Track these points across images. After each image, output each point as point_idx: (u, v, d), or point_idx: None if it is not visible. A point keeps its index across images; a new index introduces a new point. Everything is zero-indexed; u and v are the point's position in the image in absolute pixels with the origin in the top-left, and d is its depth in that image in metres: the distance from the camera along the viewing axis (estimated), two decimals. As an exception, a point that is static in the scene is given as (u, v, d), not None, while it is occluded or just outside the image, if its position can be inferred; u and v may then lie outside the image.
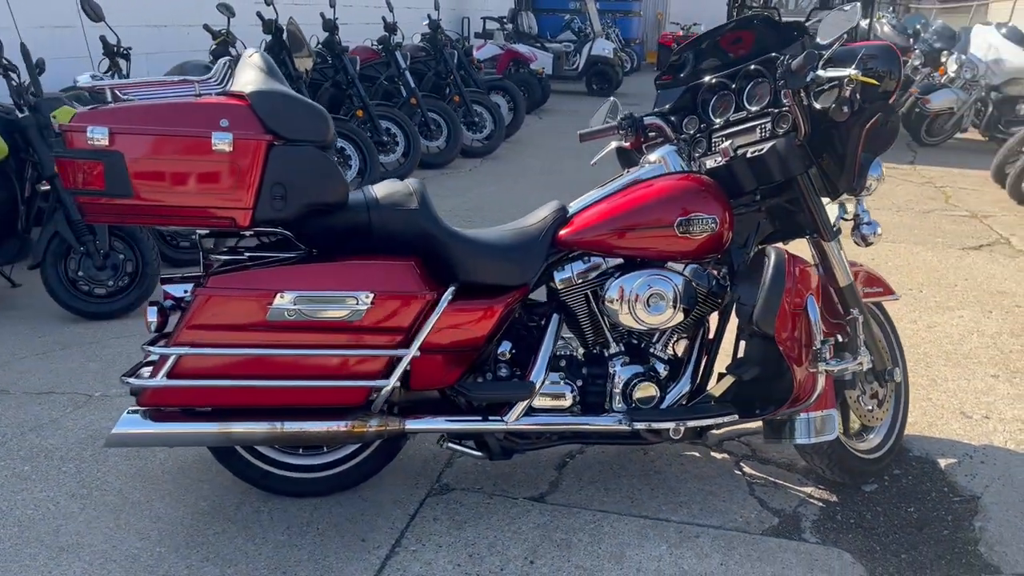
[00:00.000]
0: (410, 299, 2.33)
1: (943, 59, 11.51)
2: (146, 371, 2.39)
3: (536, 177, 8.06)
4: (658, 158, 2.73)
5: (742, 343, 2.68)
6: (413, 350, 2.36)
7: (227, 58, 2.61)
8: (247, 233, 2.46)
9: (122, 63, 5.52)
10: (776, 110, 2.64)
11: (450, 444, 2.60)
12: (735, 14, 12.28)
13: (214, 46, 6.49)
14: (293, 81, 6.12)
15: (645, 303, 2.56)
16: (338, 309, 2.30)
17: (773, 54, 2.64)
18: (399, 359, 2.37)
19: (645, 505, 2.69)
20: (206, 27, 6.62)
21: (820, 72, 2.41)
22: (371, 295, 2.30)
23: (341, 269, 2.32)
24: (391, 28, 8.03)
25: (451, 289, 2.41)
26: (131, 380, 2.31)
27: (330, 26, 7.04)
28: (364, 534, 2.51)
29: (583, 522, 2.59)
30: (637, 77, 18.94)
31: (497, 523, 2.57)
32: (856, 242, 2.75)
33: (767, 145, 2.63)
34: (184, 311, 2.29)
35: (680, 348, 2.72)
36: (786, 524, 2.63)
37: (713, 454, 3.01)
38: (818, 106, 2.54)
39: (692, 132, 2.85)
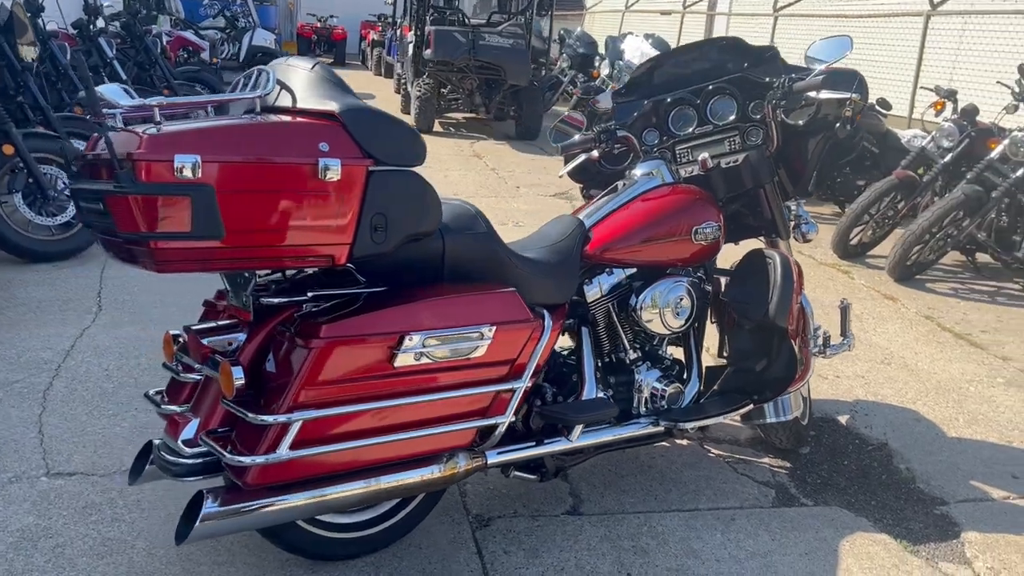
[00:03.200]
0: (523, 328, 2.23)
1: (596, 63, 12.92)
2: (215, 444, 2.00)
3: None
4: (651, 171, 2.86)
5: (735, 338, 2.93)
6: (525, 380, 2.27)
7: (258, 68, 2.19)
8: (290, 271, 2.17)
9: None
10: (746, 124, 2.93)
11: (516, 473, 2.52)
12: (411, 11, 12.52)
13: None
14: (19, 73, 5.13)
15: (674, 309, 2.70)
16: (462, 346, 2.13)
17: (742, 73, 2.91)
18: (513, 392, 2.25)
19: (668, 500, 2.85)
20: None
21: (823, 94, 2.73)
22: (492, 328, 2.16)
23: (458, 303, 2.15)
24: (93, 10, 7.01)
25: (548, 315, 2.34)
26: (241, 458, 1.91)
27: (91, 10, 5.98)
28: (450, 582, 2.36)
29: (635, 526, 2.68)
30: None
31: (564, 543, 2.56)
32: (796, 239, 3.14)
33: (741, 156, 2.91)
34: (299, 367, 1.95)
35: (681, 350, 2.91)
36: (782, 494, 2.97)
37: (678, 443, 3.25)
38: (790, 122, 2.87)
39: (654, 144, 3.03)
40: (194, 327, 2.16)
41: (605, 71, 11.69)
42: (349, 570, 2.37)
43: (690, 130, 3.01)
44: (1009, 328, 5.03)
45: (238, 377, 1.97)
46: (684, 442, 3.25)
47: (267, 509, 2.01)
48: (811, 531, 2.73)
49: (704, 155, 2.91)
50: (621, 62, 11.39)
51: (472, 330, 2.13)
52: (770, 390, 2.88)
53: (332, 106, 2.01)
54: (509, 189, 7.89)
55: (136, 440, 2.96)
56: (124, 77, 7.07)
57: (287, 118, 2.00)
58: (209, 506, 1.94)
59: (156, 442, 2.33)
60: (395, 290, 2.19)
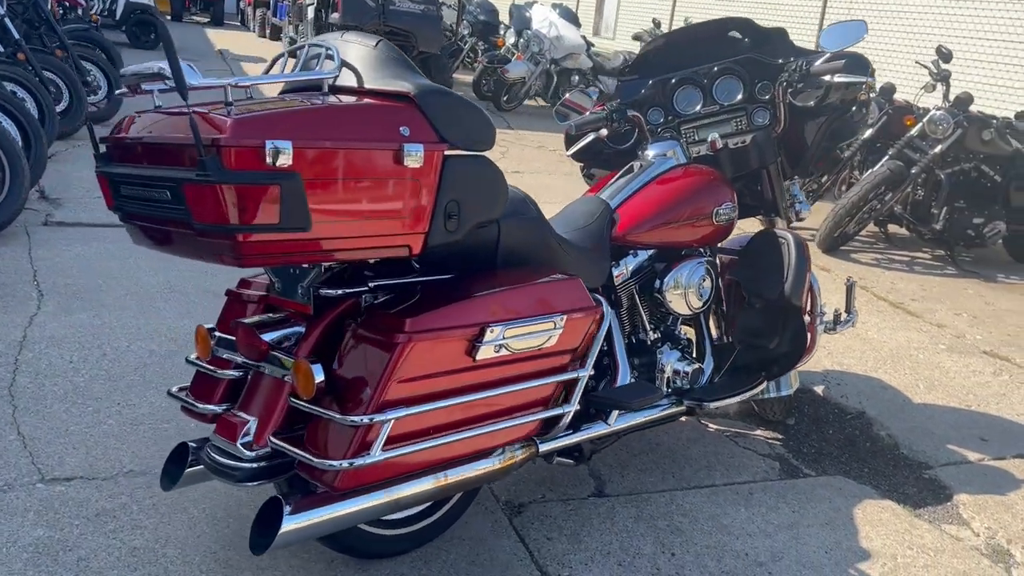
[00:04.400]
0: (588, 316, 2.19)
1: (501, 32, 12.83)
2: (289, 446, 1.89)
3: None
4: (666, 152, 2.87)
5: (745, 316, 2.99)
6: (588, 368, 2.24)
7: (311, 43, 2.03)
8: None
9: None
10: (752, 105, 2.97)
11: (559, 459, 2.49)
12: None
13: None
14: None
15: (697, 290, 2.73)
16: (538, 337, 2.07)
17: (751, 54, 2.95)
18: (577, 380, 2.22)
19: (685, 477, 2.90)
20: None
21: (837, 77, 2.78)
22: (564, 317, 2.11)
23: (531, 293, 2.09)
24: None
25: (605, 302, 2.32)
26: (333, 463, 1.80)
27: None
28: (504, 572, 2.32)
29: (663, 505, 2.71)
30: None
31: (602, 526, 2.57)
32: (789, 218, 3.22)
33: (748, 137, 2.96)
34: (385, 364, 1.84)
35: (694, 329, 2.94)
36: (786, 466, 3.07)
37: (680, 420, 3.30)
38: (799, 104, 2.93)
39: (659, 123, 3.03)
40: (246, 321, 2.01)
41: (511, 40, 11.62)
42: (398, 566, 2.30)
43: (696, 110, 3.03)
44: (933, 296, 5.35)
45: (319, 376, 1.85)
46: (683, 418, 3.30)
47: (345, 512, 1.91)
48: (824, 501, 2.84)
49: (714, 135, 2.93)
50: (529, 31, 11.35)
51: (546, 319, 2.08)
52: (779, 366, 2.95)
53: (406, 87, 1.90)
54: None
55: (128, 437, 2.76)
56: (17, 36, 6.49)
57: (365, 100, 1.88)
58: (289, 514, 1.83)
59: (192, 444, 2.19)
60: (455, 279, 2.12)
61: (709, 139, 2.93)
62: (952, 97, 6.05)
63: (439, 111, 1.91)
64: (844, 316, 3.18)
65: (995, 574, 2.55)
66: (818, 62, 2.79)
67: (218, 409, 2.14)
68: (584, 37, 11.67)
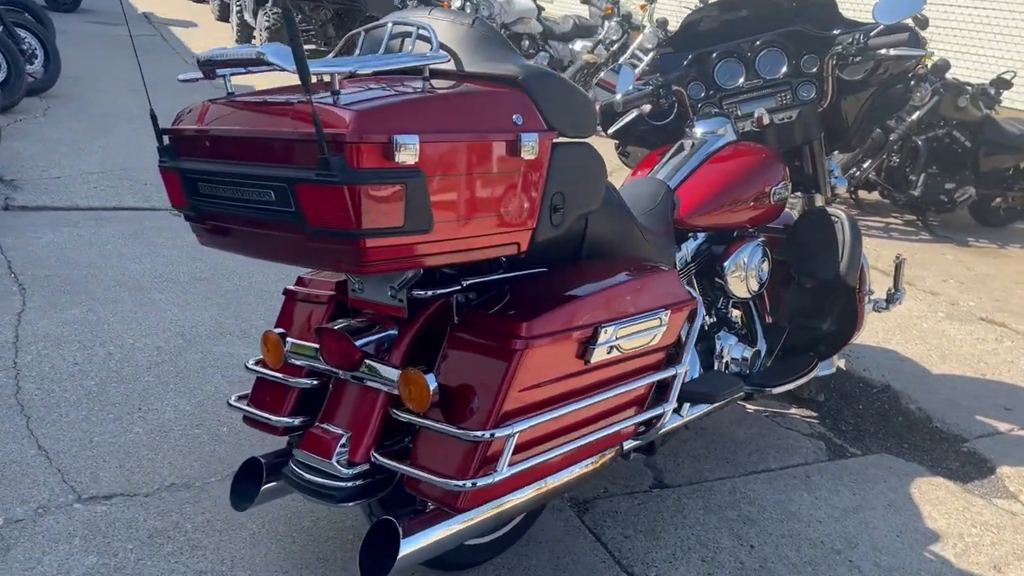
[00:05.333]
0: (685, 309, 2.09)
1: (445, -7, 12.50)
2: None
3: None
4: (716, 129, 2.77)
5: (795, 297, 2.93)
6: (685, 364, 2.14)
7: (395, 20, 1.84)
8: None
9: None
10: (797, 79, 2.89)
11: (634, 453, 2.40)
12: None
13: None
14: None
15: (757, 272, 2.65)
16: (646, 335, 1.96)
17: (797, 27, 2.86)
18: (675, 376, 2.12)
19: (739, 462, 2.85)
20: None
21: (894, 51, 2.71)
22: (668, 312, 2.00)
23: (634, 288, 1.97)
24: None
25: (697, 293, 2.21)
26: (461, 483, 1.65)
27: None
28: (589, 575, 2.23)
29: (727, 495, 2.65)
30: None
31: (674, 520, 2.50)
32: (827, 194, 3.17)
33: (794, 112, 2.88)
34: (504, 373, 1.70)
35: (742, 313, 2.87)
36: (831, 446, 3.04)
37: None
38: (847, 78, 2.86)
39: (700, 98, 2.93)
40: (335, 327, 1.84)
41: (456, 3, 11.33)
42: (482, 575, 2.18)
43: (738, 84, 2.93)
44: (917, 263, 5.42)
45: (433, 387, 1.70)
46: (720, 399, 3.25)
47: (457, 529, 1.78)
48: (880, 482, 2.82)
49: (761, 111, 2.84)
50: (481, -6, 11.08)
51: (653, 316, 1.97)
52: (827, 346, 2.92)
53: (513, 70, 1.75)
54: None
55: (160, 447, 2.56)
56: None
57: (475, 87, 1.73)
58: (407, 538, 1.68)
59: (262, 459, 2.02)
60: (547, 274, 1.98)
61: (756, 115, 2.84)
62: (929, 64, 6.10)
63: (546, 95, 1.77)
64: (894, 293, 3.14)
65: (1057, 548, 2.58)
66: (873, 33, 2.72)
67: (293, 421, 1.98)
68: (534, 1, 11.45)
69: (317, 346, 1.90)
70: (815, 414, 3.26)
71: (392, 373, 1.77)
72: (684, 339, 2.16)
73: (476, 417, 1.69)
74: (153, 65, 9.03)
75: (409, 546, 1.68)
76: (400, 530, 1.68)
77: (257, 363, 2.12)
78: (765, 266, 2.69)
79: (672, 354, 2.14)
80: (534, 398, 1.76)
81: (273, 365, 2.00)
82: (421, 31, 1.78)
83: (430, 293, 1.83)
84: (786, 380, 2.71)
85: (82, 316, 3.35)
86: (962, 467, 3.01)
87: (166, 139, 1.78)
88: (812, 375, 2.82)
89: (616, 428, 1.97)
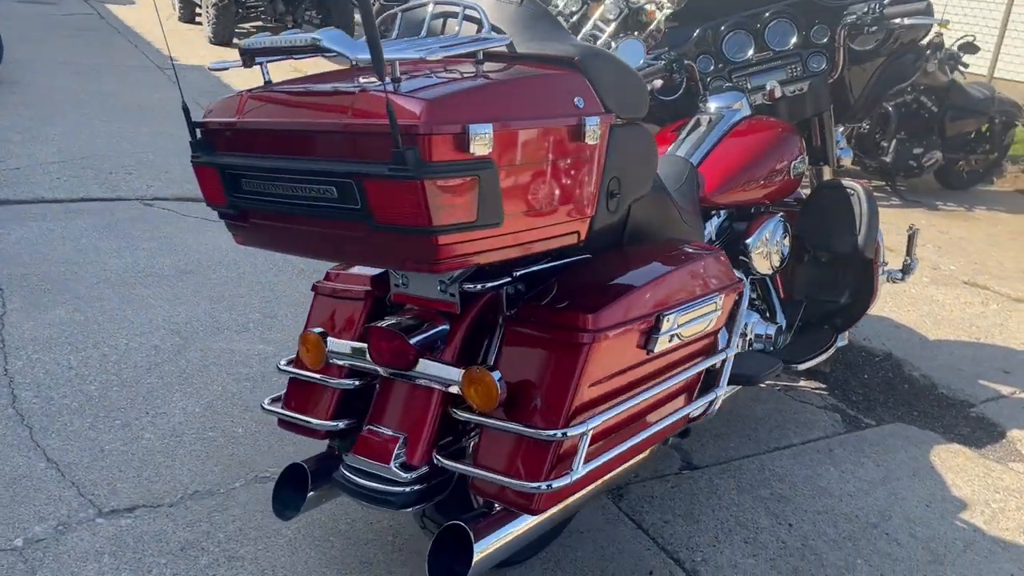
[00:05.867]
0: (735, 291, 2.04)
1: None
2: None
3: (107, 103, 6.49)
4: (732, 104, 2.73)
5: (810, 271, 2.91)
6: (734, 346, 2.09)
7: (412, 4, 1.74)
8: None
9: None
10: (807, 50, 2.86)
11: (672, 436, 2.36)
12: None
13: None
14: None
15: (779, 248, 2.63)
16: (704, 320, 1.91)
17: None
18: (725, 360, 2.08)
19: (761, 439, 2.84)
20: None
21: (913, 19, 2.68)
22: (721, 296, 1.95)
23: (688, 272, 1.91)
24: None
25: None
26: (537, 484, 1.59)
27: None
28: (637, 564, 2.19)
29: (756, 472, 2.64)
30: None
31: (709, 502, 2.48)
32: (831, 165, 3.16)
33: (805, 84, 2.85)
34: (573, 367, 1.63)
35: (760, 289, 2.85)
36: (846, 417, 3.06)
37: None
38: (857, 48, 2.84)
39: (709, 71, 2.89)
40: (387, 324, 1.76)
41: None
42: (529, 571, 2.13)
43: (747, 56, 2.89)
44: (894, 228, 5.47)
45: (501, 385, 1.63)
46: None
47: (524, 529, 1.72)
48: (900, 451, 2.84)
49: (773, 84, 2.81)
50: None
51: (709, 301, 1.92)
52: (843, 319, 2.91)
53: (568, 50, 1.68)
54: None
55: (175, 452, 2.45)
56: None
57: (534, 70, 1.64)
58: (478, 542, 1.62)
59: (305, 465, 1.93)
60: (593, 261, 1.92)
61: (768, 87, 2.80)
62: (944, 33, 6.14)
63: (602, 76, 1.70)
64: (909, 264, 3.14)
65: (1077, 510, 2.62)
66: (888, 1, 2.69)
67: (339, 425, 1.90)
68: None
69: (362, 345, 1.82)
70: (823, 386, 3.27)
71: (453, 372, 1.69)
72: (732, 322, 2.12)
73: (547, 415, 1.62)
74: (100, 49, 8.68)
75: (481, 551, 1.62)
76: (474, 537, 1.62)
77: (289, 363, 2.03)
78: (787, 241, 2.67)
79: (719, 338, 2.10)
80: (601, 392, 1.70)
81: (313, 366, 1.91)
82: (469, 11, 1.69)
83: (481, 286, 1.75)
84: (812, 355, 2.70)
85: (68, 317, 3.19)
86: (973, 432, 3.04)
87: (198, 132, 1.67)
88: (834, 348, 2.82)
89: (676, 417, 1.92)
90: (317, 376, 1.94)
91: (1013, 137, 6.74)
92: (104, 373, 2.83)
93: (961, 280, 4.61)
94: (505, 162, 1.48)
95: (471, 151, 1.39)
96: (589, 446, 1.68)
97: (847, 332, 3.12)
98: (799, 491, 2.57)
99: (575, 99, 1.62)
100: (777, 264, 2.66)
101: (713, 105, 2.73)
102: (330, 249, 1.60)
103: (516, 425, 1.63)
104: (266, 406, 2.02)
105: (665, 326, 1.78)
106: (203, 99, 6.94)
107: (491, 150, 1.42)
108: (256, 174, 1.57)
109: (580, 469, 1.62)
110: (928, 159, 6.25)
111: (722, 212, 2.61)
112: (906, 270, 3.10)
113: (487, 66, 1.64)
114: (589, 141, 1.62)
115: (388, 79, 1.44)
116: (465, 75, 1.56)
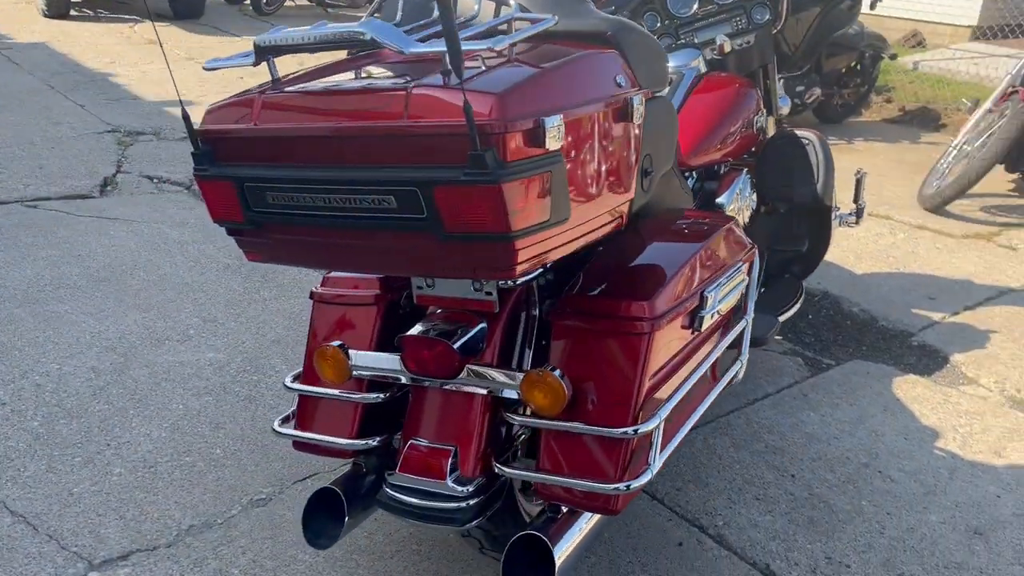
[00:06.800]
0: (750, 257, 2.03)
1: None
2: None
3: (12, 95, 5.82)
4: (688, 62, 2.71)
5: (770, 223, 2.96)
6: (750, 314, 2.08)
7: None
8: None
9: None
10: (751, 2, 2.86)
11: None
12: None
13: None
14: None
15: (749, 204, 2.65)
16: (736, 292, 1.88)
17: None
18: (744, 330, 2.06)
19: (741, 392, 2.88)
20: None
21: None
22: (745, 265, 1.93)
23: (715, 245, 1.87)
24: None
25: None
26: (618, 485, 1.52)
27: None
28: (664, 537, 2.18)
29: (744, 427, 2.69)
30: None
31: (711, 462, 2.50)
32: (773, 115, 3.20)
33: (751, 36, 2.87)
34: (636, 359, 1.57)
35: None
36: (809, 362, 3.15)
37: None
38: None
39: (655, 28, 2.86)
40: (420, 332, 1.63)
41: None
42: (564, 560, 2.08)
43: (692, 11, 2.86)
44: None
45: (567, 385, 1.55)
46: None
47: (589, 525, 1.67)
48: (866, 388, 2.95)
49: (723, 38, 2.80)
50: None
51: (737, 270, 1.90)
52: (802, 267, 2.98)
53: (600, 25, 1.59)
54: (244, 87, 6.88)
55: (155, 486, 2.25)
56: None
57: (565, 48, 1.54)
58: (559, 548, 1.55)
59: (335, 488, 1.79)
60: (615, 243, 1.85)
61: (718, 42, 2.79)
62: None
63: (634, 50, 1.62)
64: (861, 207, 3.23)
65: (1031, 424, 2.81)
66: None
67: (371, 442, 1.77)
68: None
69: (392, 356, 1.69)
70: (790, 333, 3.35)
71: (510, 376, 1.60)
72: (748, 287, 2.11)
73: (615, 412, 1.56)
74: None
75: (560, 556, 1.56)
76: (554, 547, 1.55)
77: (296, 379, 1.88)
78: (754, 196, 2.69)
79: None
80: (661, 379, 1.65)
81: (336, 382, 1.76)
82: (489, -11, 1.57)
83: (513, 281, 1.66)
84: (787, 307, 2.75)
85: (-19, 345, 2.87)
86: (920, 361, 3.20)
87: (200, 141, 1.48)
88: (803, 297, 2.88)
89: (718, 390, 1.91)
90: (336, 392, 1.80)
91: (879, 70, 7.08)
92: (44, 405, 2.56)
93: (867, 212, 4.82)
94: (569, 153, 1.38)
95: (546, 146, 1.29)
96: (666, 439, 1.64)
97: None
98: (789, 440, 2.63)
99: (617, 77, 1.54)
100: (747, 220, 2.68)
101: (671, 64, 2.69)
102: (379, 262, 1.47)
103: (586, 426, 1.56)
104: (278, 429, 1.87)
105: (709, 303, 1.74)
106: (55, 81, 6.37)
107: (563, 143, 1.33)
108: (286, 186, 1.41)
109: (657, 463, 1.58)
110: (810, 96, 6.47)
111: (694, 173, 2.59)
112: (859, 214, 3.20)
113: (518, 48, 1.53)
114: (635, 120, 1.55)
115: (443, 71, 1.32)
116: (512, 61, 1.45)
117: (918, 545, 2.21)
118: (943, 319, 3.53)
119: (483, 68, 1.40)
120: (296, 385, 1.85)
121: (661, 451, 1.61)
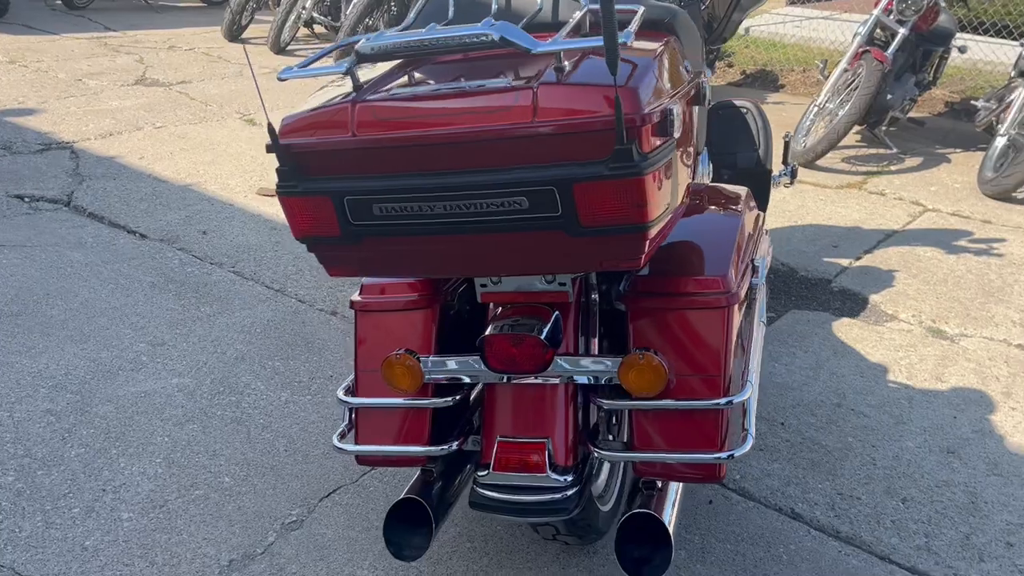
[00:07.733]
0: (761, 219, 2.13)
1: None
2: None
3: None
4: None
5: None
6: (762, 278, 2.19)
7: None
8: None
9: None
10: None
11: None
12: None
13: None
14: None
15: (709, 173, 2.79)
16: (769, 255, 1.98)
17: None
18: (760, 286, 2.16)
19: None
20: None
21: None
22: (765, 229, 2.04)
23: (746, 214, 1.96)
24: None
25: None
26: (720, 454, 1.58)
27: None
28: (693, 496, 2.29)
29: (724, 384, 2.84)
30: None
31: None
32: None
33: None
34: (720, 333, 1.64)
35: None
36: (751, 315, 3.35)
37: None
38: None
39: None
40: (500, 329, 1.63)
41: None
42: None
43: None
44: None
45: (667, 365, 1.60)
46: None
47: (679, 496, 1.74)
48: (812, 336, 3.19)
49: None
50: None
51: (766, 237, 1.99)
52: None
53: (659, 13, 1.63)
54: (86, 88, 6.37)
55: (173, 525, 2.13)
56: None
57: (656, 39, 1.58)
58: (665, 520, 1.61)
59: (417, 498, 1.77)
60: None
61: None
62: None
63: (686, 35, 1.68)
64: (793, 167, 3.43)
65: (955, 350, 3.12)
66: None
67: (450, 447, 1.75)
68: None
69: (468, 358, 1.68)
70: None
71: (608, 363, 1.63)
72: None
73: (708, 384, 1.63)
74: None
75: (670, 526, 1.62)
76: (659, 517, 1.60)
77: (347, 392, 1.82)
78: (710, 166, 2.82)
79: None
80: (739, 348, 1.73)
81: (412, 389, 1.73)
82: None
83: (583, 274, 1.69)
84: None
85: (-95, 401, 2.56)
86: (845, 304, 3.48)
87: (283, 154, 1.41)
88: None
89: (762, 347, 2.01)
90: (401, 400, 1.76)
91: (722, 34, 7.51)
92: (12, 458, 2.33)
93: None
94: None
95: (673, 135, 1.33)
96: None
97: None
98: (766, 391, 2.80)
99: (686, 63, 1.59)
100: (707, 182, 2.81)
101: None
102: (499, 263, 1.45)
103: (687, 402, 1.61)
104: (338, 444, 1.81)
105: (760, 271, 1.84)
106: None
107: (680, 131, 1.37)
108: (397, 196, 1.36)
109: (753, 429, 1.66)
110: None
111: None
112: (793, 174, 3.41)
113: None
114: (705, 104, 1.61)
115: (559, 67, 1.32)
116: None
117: (907, 470, 2.43)
118: (850, 264, 3.84)
119: (595, 62, 1.41)
120: (354, 399, 1.80)
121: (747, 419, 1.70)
